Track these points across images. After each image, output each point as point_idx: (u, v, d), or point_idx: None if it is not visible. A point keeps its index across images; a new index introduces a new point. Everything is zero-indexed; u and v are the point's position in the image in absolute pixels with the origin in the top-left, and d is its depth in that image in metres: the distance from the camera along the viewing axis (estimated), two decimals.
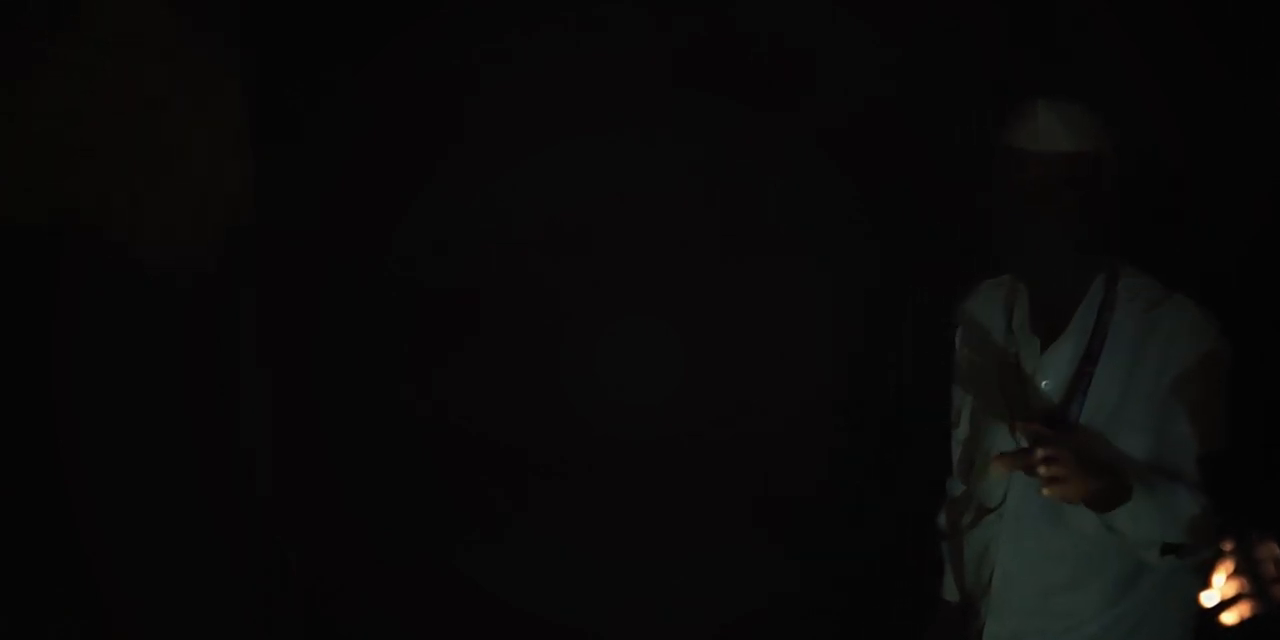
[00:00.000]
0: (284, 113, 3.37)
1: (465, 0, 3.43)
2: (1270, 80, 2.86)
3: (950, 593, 2.50)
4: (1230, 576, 1.71)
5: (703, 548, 3.46)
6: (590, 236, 3.55)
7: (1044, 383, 2.24)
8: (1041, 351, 2.26)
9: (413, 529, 3.56)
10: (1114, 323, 2.20)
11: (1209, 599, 1.72)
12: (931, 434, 2.90)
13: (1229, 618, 1.71)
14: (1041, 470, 1.94)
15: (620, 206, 3.50)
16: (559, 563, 3.47)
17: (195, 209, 3.24)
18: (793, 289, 3.49)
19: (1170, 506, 2.07)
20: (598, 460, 3.54)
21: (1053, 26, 3.20)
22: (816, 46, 3.43)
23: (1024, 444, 2.15)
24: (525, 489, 3.58)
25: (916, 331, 3.43)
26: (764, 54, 3.50)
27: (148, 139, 3.17)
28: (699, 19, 3.51)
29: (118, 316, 3.19)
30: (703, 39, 3.51)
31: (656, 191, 3.51)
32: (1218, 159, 2.90)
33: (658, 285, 3.51)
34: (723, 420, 3.52)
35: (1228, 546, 1.74)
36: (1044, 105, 2.20)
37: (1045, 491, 1.97)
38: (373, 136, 3.45)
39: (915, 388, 3.37)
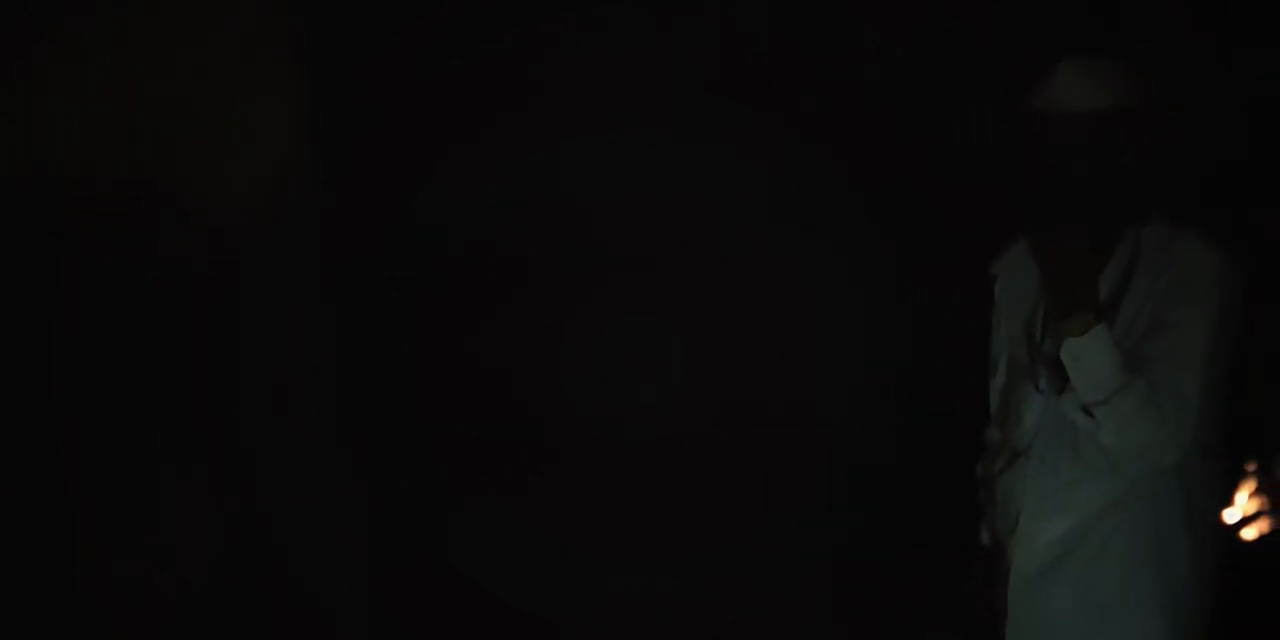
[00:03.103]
0: (339, 79, 3.44)
1: None
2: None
3: (985, 537, 2.58)
4: (1252, 495, 1.80)
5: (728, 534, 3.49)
6: (594, 233, 3.56)
7: None
8: None
9: (417, 527, 3.56)
10: (1135, 274, 2.27)
11: (1231, 516, 1.82)
12: (933, 430, 2.92)
13: (1249, 533, 1.81)
14: None
15: (623, 204, 3.52)
16: (576, 561, 3.49)
17: (250, 176, 3.27)
18: (794, 288, 3.52)
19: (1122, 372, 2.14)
20: (613, 455, 3.55)
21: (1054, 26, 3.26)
22: (817, 46, 3.48)
23: (1043, 395, 2.31)
24: (531, 485, 3.58)
25: (916, 330, 3.46)
26: (765, 53, 3.53)
27: (202, 106, 3.22)
28: (701, 18, 3.55)
29: (176, 277, 3.28)
30: (705, 38, 3.55)
31: (659, 190, 3.53)
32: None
33: (661, 283, 3.52)
34: (736, 412, 3.55)
35: (1250, 467, 1.83)
36: (1067, 64, 2.23)
37: None
38: (424, 106, 3.48)
39: (915, 383, 3.40)
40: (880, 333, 3.52)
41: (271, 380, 3.43)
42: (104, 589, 3.25)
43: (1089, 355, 2.14)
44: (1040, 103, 2.24)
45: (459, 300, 3.60)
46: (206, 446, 3.37)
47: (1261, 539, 1.89)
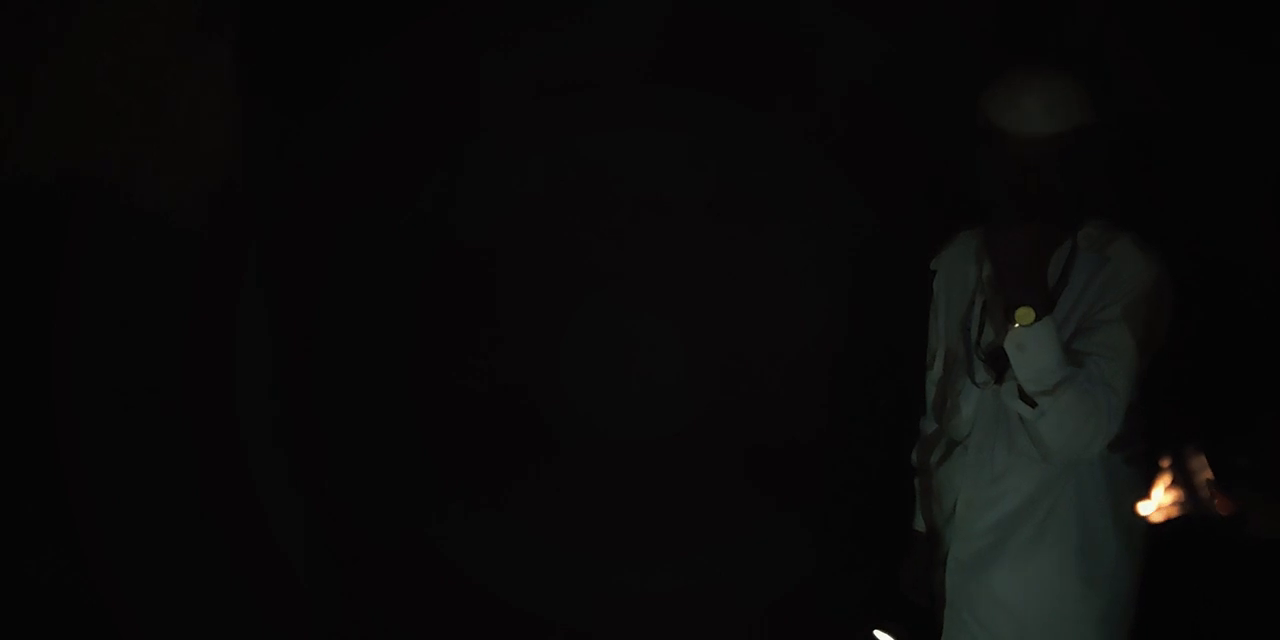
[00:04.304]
0: (274, 75, 3.42)
1: None
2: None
3: (920, 524, 2.69)
4: (1167, 489, 1.91)
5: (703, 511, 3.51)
6: (592, 226, 3.55)
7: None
8: None
9: (404, 521, 3.57)
10: (1072, 272, 2.38)
11: (1145, 508, 1.92)
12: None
13: (1157, 516, 1.92)
14: None
15: (620, 199, 3.53)
16: (552, 550, 3.51)
17: (181, 165, 3.29)
18: (792, 280, 3.53)
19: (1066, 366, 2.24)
20: (597, 444, 3.54)
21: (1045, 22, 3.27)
22: (816, 40, 3.46)
23: (979, 387, 2.41)
24: (519, 479, 3.58)
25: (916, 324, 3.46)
26: (764, 47, 3.50)
27: (133, 98, 3.23)
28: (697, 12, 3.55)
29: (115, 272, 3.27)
30: (702, 33, 3.55)
31: (655, 187, 3.55)
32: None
33: (659, 276, 3.52)
34: (721, 404, 3.54)
35: (1165, 463, 1.93)
36: (1030, 88, 2.32)
37: None
38: (366, 108, 3.47)
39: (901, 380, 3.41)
40: (863, 330, 3.53)
41: (208, 379, 3.38)
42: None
43: (1034, 346, 2.23)
44: (1003, 124, 2.32)
45: (417, 299, 3.55)
46: (145, 443, 3.33)
47: (1180, 530, 2.00)
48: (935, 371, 2.61)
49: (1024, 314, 2.23)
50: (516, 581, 3.45)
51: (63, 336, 3.22)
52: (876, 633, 2.71)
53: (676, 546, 3.50)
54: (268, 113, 3.40)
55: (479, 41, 3.47)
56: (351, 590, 3.54)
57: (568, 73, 3.46)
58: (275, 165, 3.43)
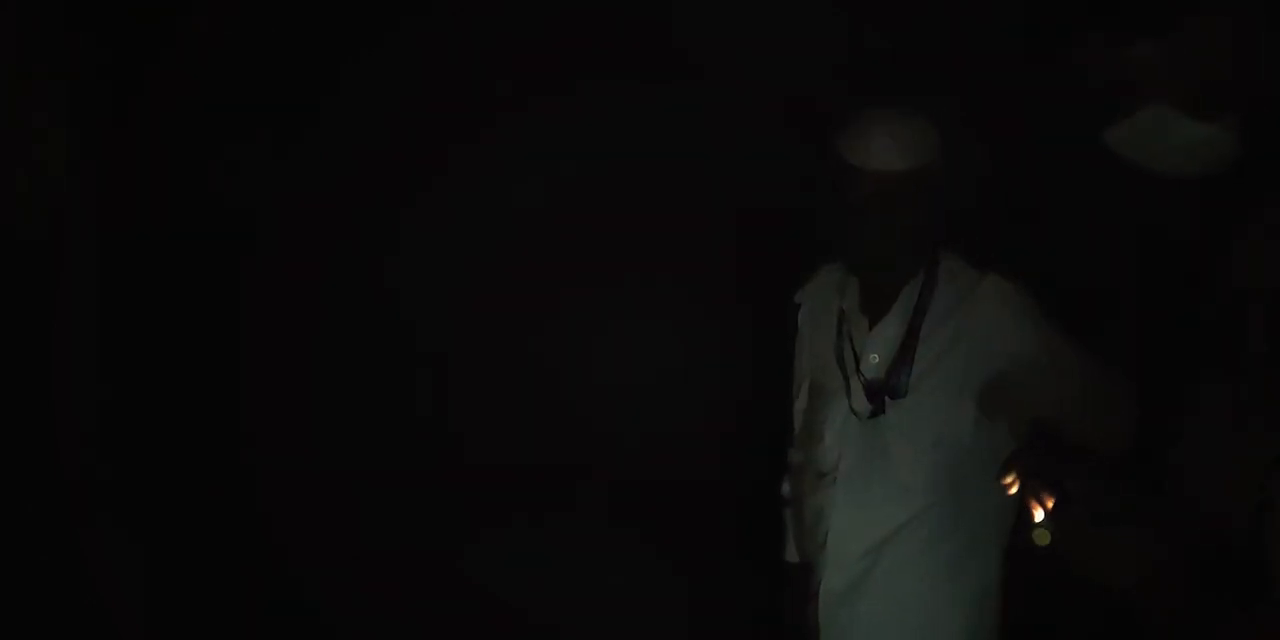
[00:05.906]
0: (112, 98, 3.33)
1: None
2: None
3: (792, 555, 2.71)
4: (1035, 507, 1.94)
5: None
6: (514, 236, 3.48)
7: (873, 357, 2.49)
8: (869, 329, 2.51)
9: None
10: (934, 301, 2.45)
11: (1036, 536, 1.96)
12: None
13: (1041, 539, 1.95)
14: None
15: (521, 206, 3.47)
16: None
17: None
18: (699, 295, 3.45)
19: None
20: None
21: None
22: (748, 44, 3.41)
23: (858, 416, 2.47)
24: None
25: None
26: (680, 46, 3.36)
27: None
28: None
29: None
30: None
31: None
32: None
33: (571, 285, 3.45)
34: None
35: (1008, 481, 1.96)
36: (878, 126, 2.40)
37: None
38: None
39: None
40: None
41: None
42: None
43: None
44: (850, 159, 2.40)
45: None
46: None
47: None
48: (801, 401, 2.65)
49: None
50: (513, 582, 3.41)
51: None
52: None
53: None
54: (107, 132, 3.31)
55: (337, 56, 3.39)
56: (351, 590, 3.46)
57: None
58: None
